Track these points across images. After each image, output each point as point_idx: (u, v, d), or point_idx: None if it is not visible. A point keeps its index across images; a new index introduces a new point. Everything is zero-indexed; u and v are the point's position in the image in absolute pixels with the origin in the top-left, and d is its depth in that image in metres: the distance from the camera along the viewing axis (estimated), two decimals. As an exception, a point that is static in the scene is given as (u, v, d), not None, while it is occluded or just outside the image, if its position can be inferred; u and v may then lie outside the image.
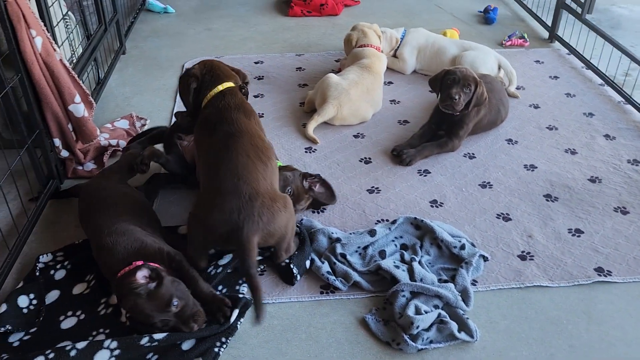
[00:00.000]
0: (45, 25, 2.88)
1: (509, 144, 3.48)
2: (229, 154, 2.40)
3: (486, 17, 5.12)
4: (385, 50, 4.17)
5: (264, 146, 2.50)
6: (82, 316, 2.30)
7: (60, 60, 2.90)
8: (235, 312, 2.28)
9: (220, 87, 2.65)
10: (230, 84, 2.67)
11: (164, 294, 2.10)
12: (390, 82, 4.15)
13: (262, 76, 4.24)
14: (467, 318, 2.32)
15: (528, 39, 4.72)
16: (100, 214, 2.45)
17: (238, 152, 2.40)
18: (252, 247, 2.25)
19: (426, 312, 2.30)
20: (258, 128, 2.60)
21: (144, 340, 2.10)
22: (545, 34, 4.85)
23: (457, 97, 3.21)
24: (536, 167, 3.26)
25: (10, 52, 2.65)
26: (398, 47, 4.25)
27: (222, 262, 2.52)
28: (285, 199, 2.44)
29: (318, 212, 2.92)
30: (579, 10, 4.39)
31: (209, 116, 2.58)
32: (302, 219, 2.81)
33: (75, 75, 3.04)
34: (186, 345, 2.17)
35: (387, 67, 4.18)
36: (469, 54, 3.99)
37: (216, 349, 2.18)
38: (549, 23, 4.77)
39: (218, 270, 2.46)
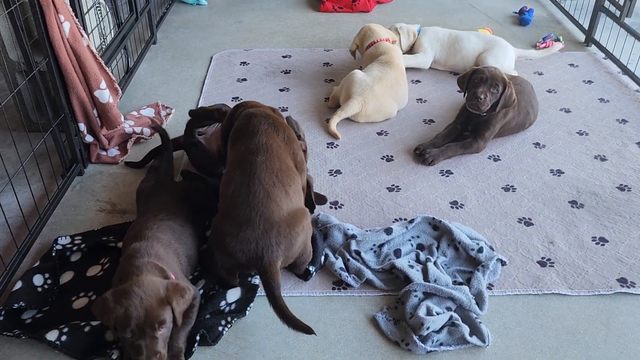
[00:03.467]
0: (74, 11, 2.93)
1: (536, 147, 3.39)
2: (245, 177, 2.30)
3: (521, 18, 5.01)
4: (404, 46, 4.13)
5: (286, 168, 2.38)
6: (94, 297, 2.33)
7: (88, 46, 2.95)
8: (236, 292, 2.30)
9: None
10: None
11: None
12: (417, 81, 4.10)
13: (289, 70, 4.23)
14: (480, 322, 2.27)
15: (563, 42, 4.59)
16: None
17: (254, 177, 2.29)
18: (275, 271, 2.22)
19: (438, 314, 2.26)
20: (285, 146, 2.49)
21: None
22: (582, 37, 4.72)
23: (482, 96, 3.14)
24: (563, 173, 3.16)
25: (39, 36, 2.70)
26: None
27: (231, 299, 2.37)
28: (303, 217, 2.33)
29: (335, 208, 2.90)
30: (618, 13, 4.25)
31: (238, 127, 2.54)
32: (318, 214, 2.79)
33: (102, 62, 3.08)
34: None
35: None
36: (490, 56, 3.99)
37: (220, 328, 2.20)
38: (586, 26, 4.64)
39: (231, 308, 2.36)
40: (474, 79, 3.22)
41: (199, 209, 2.66)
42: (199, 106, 3.72)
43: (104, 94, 3.05)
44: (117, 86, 3.19)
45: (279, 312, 2.14)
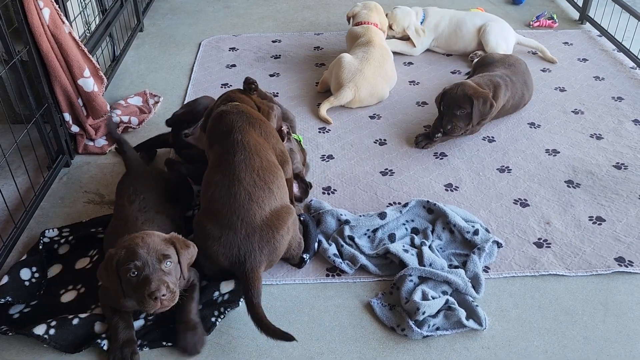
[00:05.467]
0: (55, -3, 2.85)
1: (531, 127, 3.34)
2: (226, 178, 2.24)
3: (514, -3, 4.93)
4: (415, 41, 4.06)
5: (267, 164, 2.31)
6: (82, 290, 2.29)
7: (70, 33, 2.87)
8: (229, 283, 2.25)
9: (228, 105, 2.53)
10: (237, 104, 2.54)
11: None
12: (410, 63, 4.03)
13: (279, 55, 4.16)
14: (477, 305, 2.23)
15: (557, 20, 4.53)
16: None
17: (234, 177, 2.22)
18: (257, 277, 2.16)
19: (433, 298, 2.22)
20: (264, 141, 2.40)
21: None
22: (576, 14, 4.65)
23: (449, 126, 3.09)
24: (558, 152, 3.12)
25: (18, 23, 2.62)
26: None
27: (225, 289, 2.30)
28: (287, 217, 2.26)
29: (328, 193, 2.85)
30: (612, -11, 4.18)
31: (211, 127, 2.47)
32: (311, 200, 2.74)
33: (85, 50, 3.00)
34: None
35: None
36: (490, 36, 3.91)
37: (213, 319, 2.15)
38: (580, 3, 4.57)
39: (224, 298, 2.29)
40: (444, 103, 3.13)
41: (177, 196, 2.60)
42: (186, 97, 3.65)
43: (88, 83, 2.97)
44: (102, 74, 3.11)
45: (257, 321, 2.08)
